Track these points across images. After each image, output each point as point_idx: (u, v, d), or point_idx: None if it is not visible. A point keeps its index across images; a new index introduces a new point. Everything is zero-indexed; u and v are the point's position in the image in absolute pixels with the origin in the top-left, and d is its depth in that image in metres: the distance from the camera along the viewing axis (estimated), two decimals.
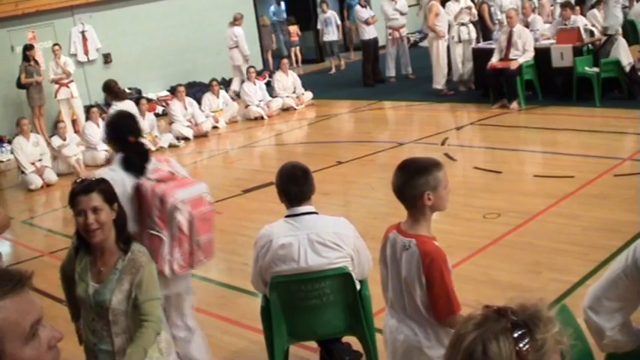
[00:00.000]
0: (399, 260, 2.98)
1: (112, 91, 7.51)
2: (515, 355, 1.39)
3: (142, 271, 2.96)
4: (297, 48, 18.00)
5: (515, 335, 1.40)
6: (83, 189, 2.97)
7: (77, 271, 3.12)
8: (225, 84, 14.41)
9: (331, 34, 16.20)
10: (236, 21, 13.90)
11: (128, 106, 7.69)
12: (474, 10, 12.09)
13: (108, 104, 7.95)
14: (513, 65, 10.41)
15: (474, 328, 1.44)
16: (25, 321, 1.44)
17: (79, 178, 3.14)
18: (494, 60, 10.70)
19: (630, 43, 10.60)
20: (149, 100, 12.95)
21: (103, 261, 3.04)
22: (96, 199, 2.94)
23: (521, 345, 1.40)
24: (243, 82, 13.23)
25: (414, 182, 2.89)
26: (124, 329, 3.01)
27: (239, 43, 13.87)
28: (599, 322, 2.43)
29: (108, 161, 5.21)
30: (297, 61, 17.93)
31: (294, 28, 17.85)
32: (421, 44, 17.00)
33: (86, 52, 13.81)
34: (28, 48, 12.30)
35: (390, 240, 3.06)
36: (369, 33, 13.94)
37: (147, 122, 11.29)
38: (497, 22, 12.64)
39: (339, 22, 16.38)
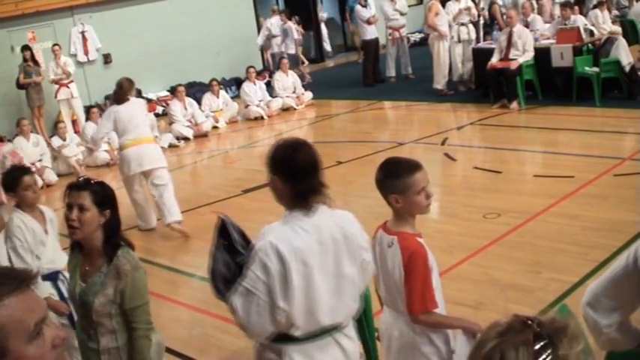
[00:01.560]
0: (385, 258, 2.99)
1: (115, 92, 7.45)
2: None
3: (125, 280, 2.98)
4: (301, 48, 17.97)
5: (536, 347, 1.38)
6: (78, 185, 3.05)
7: (70, 267, 3.20)
8: (225, 84, 14.42)
9: (289, 47, 15.10)
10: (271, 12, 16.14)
11: (133, 104, 7.58)
12: (474, 11, 12.10)
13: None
14: (513, 65, 10.41)
15: (496, 335, 1.42)
16: (30, 319, 1.44)
17: (81, 177, 3.18)
18: (494, 60, 10.70)
19: (630, 43, 10.61)
20: (149, 100, 12.96)
21: (90, 261, 3.09)
22: (85, 198, 2.98)
23: (541, 358, 1.37)
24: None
25: (383, 183, 2.96)
26: (109, 330, 3.04)
27: (288, 31, 15.70)
28: (596, 319, 2.44)
29: None
30: (302, 61, 17.91)
31: (298, 28, 17.84)
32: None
33: (86, 53, 13.80)
34: (23, 49, 12.30)
35: (377, 239, 3.07)
36: (370, 33, 13.94)
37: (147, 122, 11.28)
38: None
39: (296, 36, 15.27)
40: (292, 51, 15.14)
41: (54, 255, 4.38)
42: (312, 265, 2.62)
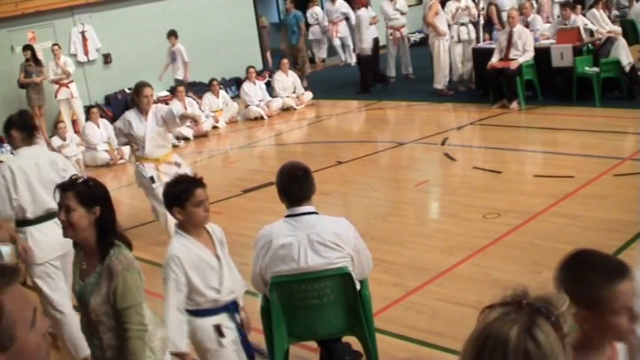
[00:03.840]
0: None
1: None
2: (559, 339, 1.39)
3: (116, 280, 2.99)
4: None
5: (553, 319, 1.39)
6: (63, 186, 3.09)
7: (73, 264, 3.24)
8: (225, 84, 14.41)
9: (178, 72, 13.07)
10: (311, 2, 16.79)
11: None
12: (473, 11, 12.08)
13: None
14: (513, 65, 10.41)
15: (511, 324, 1.40)
16: (29, 309, 1.52)
17: (74, 175, 3.21)
18: (494, 60, 10.70)
19: (630, 43, 10.61)
20: None
21: (88, 260, 3.12)
22: (70, 199, 3.02)
23: (560, 329, 1.40)
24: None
25: (566, 287, 1.98)
26: (109, 327, 3.07)
27: (319, 20, 16.67)
28: None
29: None
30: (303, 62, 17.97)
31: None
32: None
33: (86, 53, 13.79)
34: (24, 48, 12.31)
35: None
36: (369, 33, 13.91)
37: None
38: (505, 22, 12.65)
39: (187, 59, 12.97)
40: (181, 76, 13.03)
41: (232, 282, 3.63)
42: (30, 175, 4.69)
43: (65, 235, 3.09)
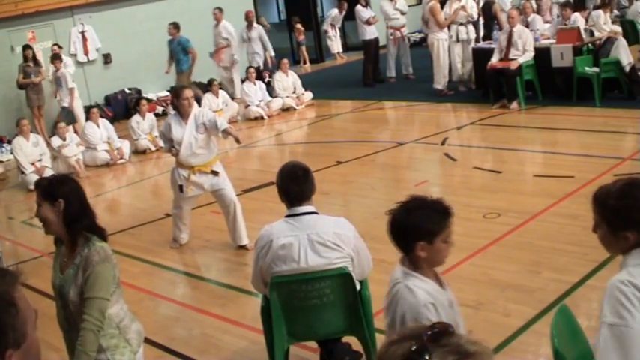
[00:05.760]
0: None
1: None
2: None
3: (90, 269, 3.07)
4: (304, 47, 18.03)
5: (412, 356, 1.32)
6: (34, 185, 3.27)
7: (53, 260, 3.33)
8: None
9: (64, 100, 11.89)
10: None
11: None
12: (470, 11, 12.05)
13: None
14: (513, 65, 10.41)
15: (388, 342, 1.40)
16: (31, 308, 1.60)
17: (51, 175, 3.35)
18: (494, 60, 10.70)
19: (630, 43, 10.60)
20: (149, 100, 12.94)
21: (68, 254, 3.21)
22: (37, 196, 3.18)
23: None
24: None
25: None
26: None
27: (334, 20, 17.87)
28: None
29: None
30: (304, 61, 18.00)
31: (300, 28, 17.89)
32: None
33: (86, 53, 13.81)
34: (24, 49, 12.33)
35: None
36: (369, 33, 13.94)
37: (147, 122, 11.28)
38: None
39: (71, 85, 11.80)
40: (67, 104, 11.93)
41: None
42: None
43: (44, 231, 3.21)
